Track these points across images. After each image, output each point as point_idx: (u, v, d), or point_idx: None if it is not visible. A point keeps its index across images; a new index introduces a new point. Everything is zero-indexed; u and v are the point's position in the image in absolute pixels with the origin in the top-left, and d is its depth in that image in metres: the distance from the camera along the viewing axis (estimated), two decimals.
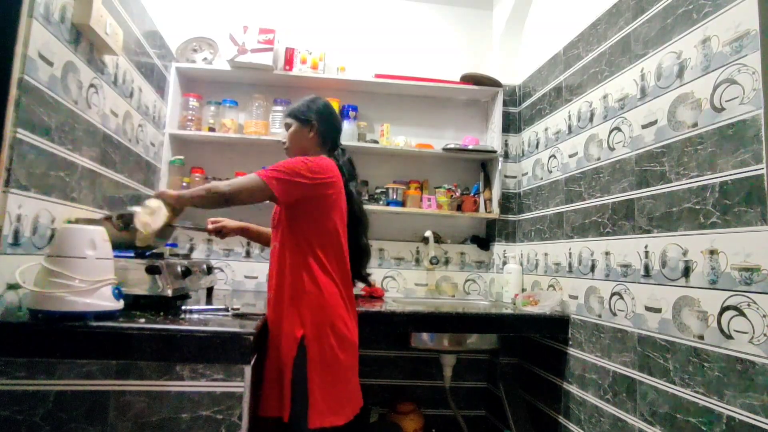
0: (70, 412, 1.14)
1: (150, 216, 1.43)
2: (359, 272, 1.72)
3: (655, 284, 1.55)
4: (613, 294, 1.78)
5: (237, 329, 1.24)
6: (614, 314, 1.76)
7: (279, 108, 2.63)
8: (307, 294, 1.47)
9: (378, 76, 2.68)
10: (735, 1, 1.29)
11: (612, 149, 1.83)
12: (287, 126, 1.67)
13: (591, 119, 2.00)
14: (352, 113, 2.66)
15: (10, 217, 1.20)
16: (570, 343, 2.06)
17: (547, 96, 2.44)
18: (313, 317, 1.46)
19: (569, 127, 2.19)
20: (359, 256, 1.70)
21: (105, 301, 1.20)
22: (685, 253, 1.43)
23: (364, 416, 1.63)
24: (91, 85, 1.61)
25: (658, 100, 1.59)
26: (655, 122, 1.59)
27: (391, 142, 2.69)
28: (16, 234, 1.24)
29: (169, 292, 1.39)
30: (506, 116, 2.78)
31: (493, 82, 2.72)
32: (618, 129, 1.81)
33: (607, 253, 1.83)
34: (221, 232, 1.83)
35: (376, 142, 2.70)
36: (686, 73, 1.47)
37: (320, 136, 1.64)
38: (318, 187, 1.50)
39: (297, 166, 1.48)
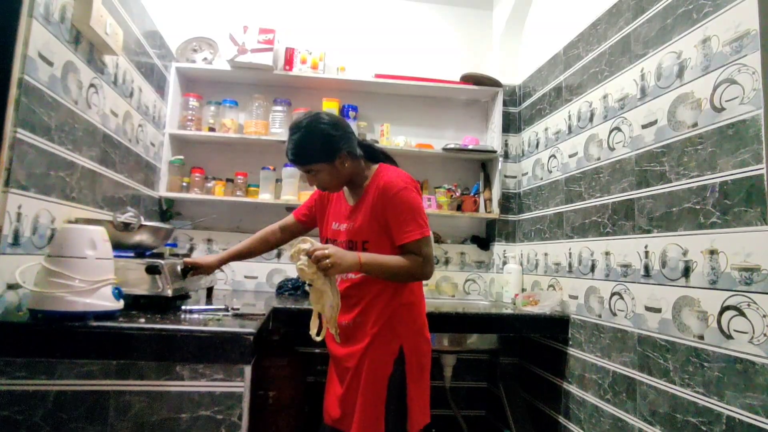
0: (70, 412, 1.14)
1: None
2: None
3: (655, 284, 1.55)
4: (613, 294, 1.78)
5: (237, 329, 1.24)
6: (614, 314, 1.76)
7: (279, 108, 2.63)
8: (404, 306, 1.44)
9: (378, 76, 2.68)
10: (735, 1, 1.29)
11: (612, 149, 1.83)
12: (311, 172, 1.42)
13: (591, 119, 2.00)
14: (352, 113, 2.66)
15: (10, 217, 1.20)
16: (570, 343, 2.06)
17: (547, 96, 2.44)
18: (408, 329, 1.44)
19: (569, 127, 2.19)
20: None
21: (105, 301, 1.20)
22: (685, 253, 1.43)
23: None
24: (91, 85, 1.61)
25: (658, 100, 1.59)
26: (655, 122, 1.59)
27: (391, 142, 2.69)
28: (16, 234, 1.24)
29: (169, 292, 1.39)
30: (506, 116, 2.78)
31: (493, 82, 2.72)
32: (618, 129, 1.81)
33: (607, 253, 1.83)
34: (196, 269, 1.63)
35: (376, 142, 2.70)
36: (686, 73, 1.47)
37: (351, 155, 1.43)
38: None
39: (417, 202, 1.42)
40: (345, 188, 1.55)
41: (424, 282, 2.27)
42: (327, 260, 1.24)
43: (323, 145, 1.39)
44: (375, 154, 1.54)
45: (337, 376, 1.51)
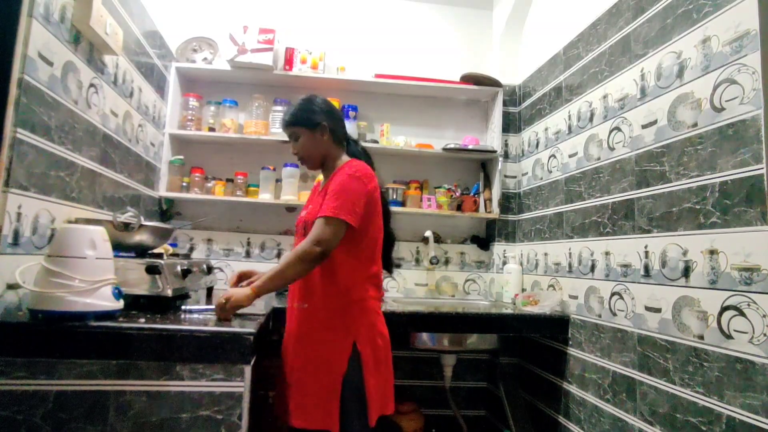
0: (70, 412, 1.14)
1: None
2: (388, 260, 1.68)
3: (655, 284, 1.55)
4: (613, 294, 1.78)
5: (237, 329, 1.24)
6: (614, 314, 1.76)
7: (279, 108, 2.63)
8: (355, 301, 1.48)
9: (378, 76, 2.68)
10: (735, 1, 1.29)
11: (612, 149, 1.83)
12: (293, 136, 1.56)
13: (591, 119, 2.00)
14: (352, 113, 2.66)
15: (10, 217, 1.20)
16: (570, 343, 2.06)
17: (547, 96, 2.44)
18: (361, 322, 1.48)
19: (569, 127, 2.19)
20: (389, 244, 1.66)
21: (105, 301, 1.20)
22: (685, 253, 1.43)
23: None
24: (91, 85, 1.61)
25: (658, 100, 1.59)
26: (655, 122, 1.59)
27: (391, 142, 2.69)
28: (16, 234, 1.24)
29: (169, 292, 1.39)
30: (506, 116, 2.78)
31: (493, 82, 2.72)
32: (618, 129, 1.81)
33: (607, 253, 1.83)
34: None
35: (376, 142, 2.70)
36: (686, 73, 1.47)
37: (333, 134, 1.56)
38: (371, 194, 1.48)
39: (355, 189, 1.43)
40: (322, 178, 1.65)
41: (424, 282, 2.25)
42: (225, 305, 1.36)
43: (309, 112, 1.54)
44: (355, 151, 1.63)
45: (286, 374, 1.54)
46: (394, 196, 2.65)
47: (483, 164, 2.82)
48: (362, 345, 1.46)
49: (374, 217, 1.52)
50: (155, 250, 1.69)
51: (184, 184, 2.53)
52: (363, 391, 1.43)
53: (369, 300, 1.52)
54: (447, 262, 2.79)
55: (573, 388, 2.01)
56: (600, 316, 1.86)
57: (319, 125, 1.53)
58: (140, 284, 1.39)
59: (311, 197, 1.67)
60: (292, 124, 1.55)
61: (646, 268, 1.60)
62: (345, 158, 1.59)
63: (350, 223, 1.40)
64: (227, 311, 1.36)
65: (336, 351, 1.45)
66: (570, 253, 2.11)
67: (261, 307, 1.83)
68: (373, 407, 1.45)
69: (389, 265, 1.69)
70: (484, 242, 2.80)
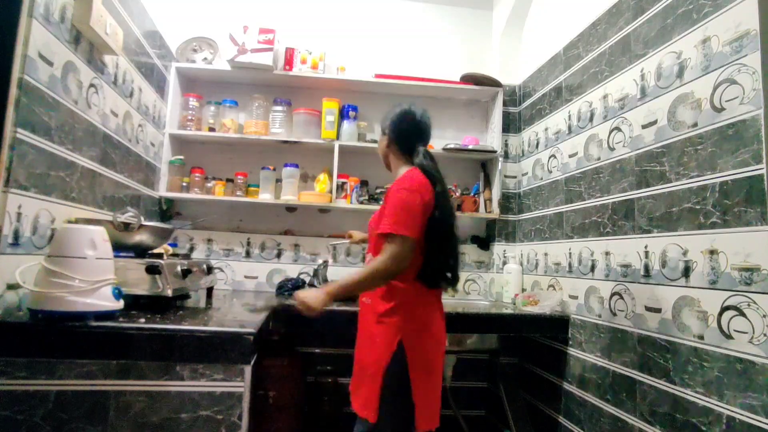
0: (70, 412, 1.14)
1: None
2: (453, 274, 1.59)
3: (655, 284, 1.55)
4: (613, 294, 1.78)
5: (237, 329, 1.24)
6: (614, 314, 1.76)
7: (279, 108, 2.63)
8: (406, 301, 1.49)
9: (378, 76, 2.68)
10: (735, 1, 1.29)
11: (612, 149, 1.83)
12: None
13: (591, 119, 2.00)
14: (352, 113, 2.66)
15: (10, 217, 1.20)
16: (570, 343, 2.06)
17: (547, 96, 2.44)
18: (411, 323, 1.48)
19: (569, 127, 2.19)
20: (451, 256, 1.58)
21: (105, 301, 1.20)
22: (685, 253, 1.43)
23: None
24: (91, 85, 1.61)
25: (658, 100, 1.59)
26: (655, 122, 1.59)
27: None
28: (16, 234, 1.24)
29: (169, 292, 1.39)
30: (506, 116, 2.78)
31: (493, 82, 2.72)
32: (618, 129, 1.81)
33: (607, 253, 1.83)
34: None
35: (376, 142, 2.70)
36: (686, 73, 1.47)
37: (396, 144, 1.64)
38: (427, 205, 1.50)
39: (413, 203, 1.46)
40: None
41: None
42: (302, 308, 1.47)
43: (386, 118, 1.68)
44: (422, 162, 1.62)
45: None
46: None
47: (483, 164, 2.82)
48: (409, 344, 1.46)
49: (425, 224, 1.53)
50: (155, 250, 1.69)
51: (184, 184, 2.53)
52: (407, 389, 1.44)
53: (421, 302, 1.52)
54: None
55: (573, 388, 2.01)
56: (600, 316, 1.86)
57: (384, 133, 1.68)
58: (140, 284, 1.39)
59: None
60: (381, 124, 1.72)
61: (646, 268, 1.60)
62: (404, 168, 1.62)
63: (415, 238, 1.45)
64: (312, 312, 1.46)
65: (383, 345, 1.47)
66: (570, 253, 2.11)
67: (261, 306, 1.84)
68: (420, 409, 1.45)
69: (445, 278, 1.58)
70: (484, 242, 2.80)
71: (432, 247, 1.51)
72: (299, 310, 1.48)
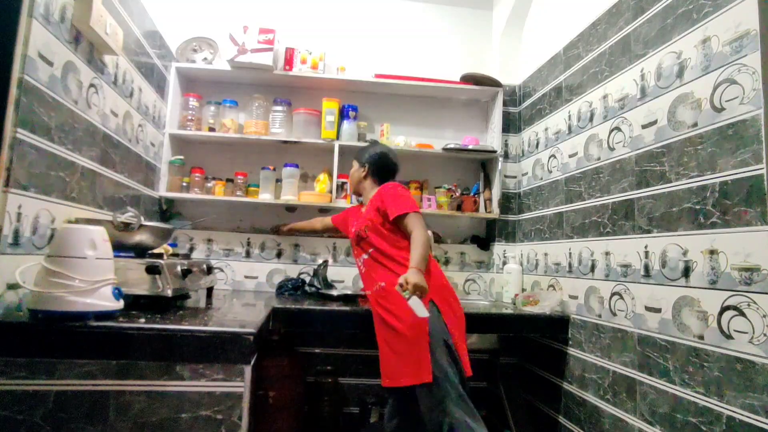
0: (70, 412, 1.14)
1: None
2: None
3: (655, 284, 1.55)
4: (613, 294, 1.78)
5: (237, 329, 1.24)
6: (614, 314, 1.76)
7: (279, 108, 2.63)
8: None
9: (378, 76, 2.68)
10: (735, 1, 1.29)
11: (612, 149, 1.83)
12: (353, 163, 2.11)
13: (591, 119, 2.00)
14: (352, 113, 2.66)
15: (10, 217, 1.20)
16: (570, 343, 2.06)
17: (547, 96, 2.44)
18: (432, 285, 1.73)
19: (569, 127, 2.19)
20: None
21: (105, 301, 1.20)
22: (685, 253, 1.43)
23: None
24: (91, 85, 1.61)
25: (658, 100, 1.59)
26: (655, 122, 1.59)
27: (391, 142, 2.69)
28: (16, 234, 1.24)
29: (169, 292, 1.39)
30: (506, 116, 2.78)
31: (493, 82, 2.72)
32: (618, 129, 1.81)
33: (607, 253, 1.83)
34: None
35: (376, 142, 2.70)
36: (686, 73, 1.47)
37: (371, 174, 2.03)
38: None
39: (407, 192, 1.92)
40: (363, 203, 2.13)
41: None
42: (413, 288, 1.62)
43: (368, 152, 2.06)
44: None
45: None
46: None
47: (483, 164, 2.82)
48: (438, 300, 1.73)
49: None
50: (155, 250, 1.69)
51: (184, 184, 2.53)
52: (449, 341, 1.68)
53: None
54: (447, 262, 2.79)
55: (573, 388, 2.01)
56: (600, 316, 1.86)
57: (362, 165, 2.05)
58: (140, 284, 1.39)
59: (354, 217, 2.09)
60: (355, 157, 2.12)
61: (646, 268, 1.60)
62: (376, 188, 1.98)
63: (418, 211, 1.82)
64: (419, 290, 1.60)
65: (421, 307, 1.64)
66: (570, 253, 2.11)
67: (261, 306, 1.84)
68: (461, 355, 1.70)
69: None
70: (484, 242, 2.80)
71: None
72: (416, 292, 1.58)
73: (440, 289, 1.78)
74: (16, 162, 1.21)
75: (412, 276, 1.59)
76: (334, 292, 2.35)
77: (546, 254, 2.35)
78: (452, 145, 2.65)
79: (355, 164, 2.08)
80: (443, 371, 1.61)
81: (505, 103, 2.77)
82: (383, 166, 2.04)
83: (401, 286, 1.58)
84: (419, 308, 1.53)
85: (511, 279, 2.55)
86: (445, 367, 1.62)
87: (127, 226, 1.46)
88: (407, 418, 1.70)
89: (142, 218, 1.50)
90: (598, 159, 1.92)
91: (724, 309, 1.28)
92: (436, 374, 1.61)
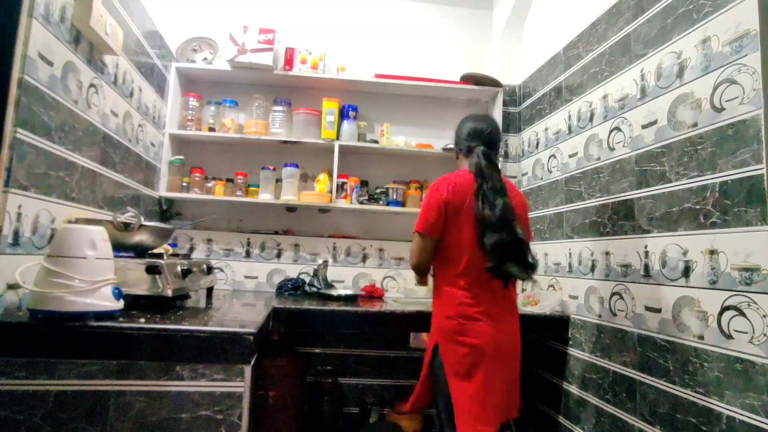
0: (70, 412, 1.14)
1: None
2: (497, 269, 1.51)
3: (655, 284, 1.55)
4: (613, 294, 1.78)
5: (237, 329, 1.24)
6: (614, 314, 1.76)
7: (279, 108, 2.63)
8: (443, 305, 1.59)
9: (378, 76, 2.68)
10: (735, 1, 1.29)
11: (612, 149, 1.83)
12: None
13: (591, 119, 2.00)
14: (352, 113, 2.66)
15: (10, 217, 1.20)
16: (570, 343, 2.06)
17: (547, 96, 2.44)
18: (444, 325, 1.56)
19: (569, 127, 2.19)
20: (511, 246, 1.51)
21: (105, 301, 1.20)
22: (685, 253, 1.43)
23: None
24: (91, 85, 1.61)
25: (658, 100, 1.59)
26: (655, 122, 1.59)
27: (391, 142, 2.69)
28: (16, 234, 1.24)
29: (169, 292, 1.39)
30: (506, 116, 2.78)
31: (493, 82, 2.72)
32: (618, 129, 1.81)
33: (607, 253, 1.83)
34: None
35: (376, 142, 2.70)
36: (686, 73, 1.47)
37: (461, 151, 1.73)
38: (445, 201, 1.56)
39: (426, 200, 1.62)
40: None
41: (425, 287, 2.22)
42: None
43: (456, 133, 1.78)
44: (471, 162, 1.66)
45: None
46: (394, 196, 2.65)
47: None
48: (443, 348, 1.54)
49: (452, 222, 1.56)
50: (155, 250, 1.69)
51: (184, 184, 2.53)
52: (446, 391, 1.51)
53: (457, 305, 1.54)
54: None
55: (573, 388, 2.01)
56: (600, 316, 1.86)
57: (456, 147, 1.78)
58: (140, 284, 1.39)
59: None
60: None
61: (646, 268, 1.60)
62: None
63: (422, 233, 1.57)
64: None
65: (429, 347, 1.63)
66: (570, 253, 2.11)
67: (261, 306, 1.84)
68: (460, 412, 1.46)
69: (497, 273, 1.52)
70: None
71: (492, 248, 1.49)
72: None
73: (446, 337, 1.55)
74: (16, 162, 1.21)
75: None
76: (334, 292, 2.35)
77: (546, 254, 2.35)
78: (452, 145, 2.64)
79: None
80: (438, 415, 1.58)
81: (505, 103, 2.77)
82: (464, 136, 1.70)
83: None
84: None
85: None
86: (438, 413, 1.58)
87: (127, 226, 1.46)
88: None
89: (142, 218, 1.49)
90: (598, 159, 1.92)
91: (724, 309, 1.28)
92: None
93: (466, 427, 1.44)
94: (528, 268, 1.53)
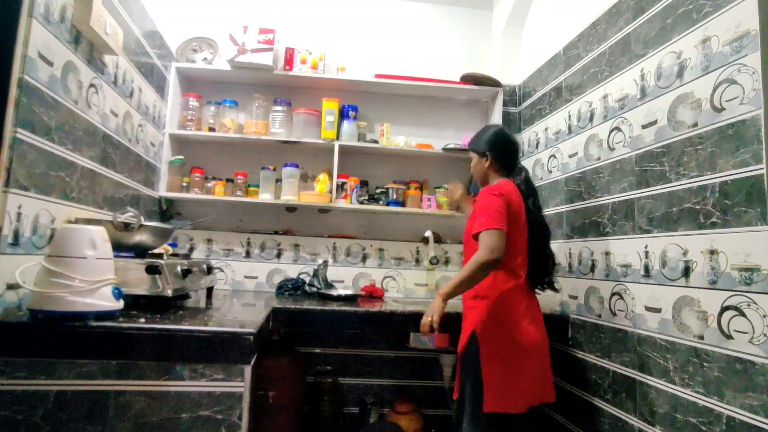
0: (70, 412, 1.14)
1: None
2: (542, 279, 1.82)
3: (655, 284, 1.55)
4: (613, 294, 1.78)
5: (237, 329, 1.24)
6: (614, 314, 1.76)
7: (279, 108, 2.63)
8: (483, 296, 1.68)
9: (378, 76, 2.68)
10: (735, 1, 1.29)
11: (612, 149, 1.83)
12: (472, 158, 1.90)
13: (591, 119, 2.00)
14: (352, 113, 2.66)
15: (10, 217, 1.20)
16: (570, 343, 2.06)
17: (547, 96, 2.44)
18: (487, 315, 1.66)
19: (569, 127, 2.19)
20: (542, 263, 1.80)
21: (105, 301, 1.20)
22: (685, 253, 1.43)
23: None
24: (91, 85, 1.61)
25: (658, 100, 1.59)
26: (655, 122, 1.59)
27: (391, 142, 2.69)
28: (16, 234, 1.24)
29: (169, 292, 1.39)
30: (506, 116, 2.78)
31: (493, 82, 2.72)
32: (618, 129, 1.81)
33: (607, 253, 1.83)
34: None
35: (376, 142, 2.70)
36: (686, 73, 1.47)
37: (496, 162, 1.81)
38: (507, 200, 1.67)
39: (492, 200, 1.65)
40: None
41: (424, 282, 2.28)
42: (429, 321, 1.65)
43: (479, 140, 1.85)
44: (516, 179, 1.81)
45: None
46: (394, 196, 2.65)
47: None
48: (483, 336, 1.63)
49: (512, 224, 1.67)
50: (155, 250, 1.69)
51: (184, 184, 2.53)
52: (479, 377, 1.61)
53: (502, 298, 1.66)
54: (447, 262, 2.79)
55: (573, 388, 2.01)
56: (600, 316, 1.86)
57: (484, 154, 1.82)
58: (140, 284, 1.39)
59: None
60: (470, 146, 1.91)
61: (646, 268, 1.60)
62: (497, 179, 1.80)
63: (503, 229, 1.61)
64: (437, 323, 1.64)
65: (463, 335, 1.71)
66: (570, 253, 2.11)
67: (261, 307, 1.84)
68: (488, 395, 1.58)
69: (541, 284, 1.83)
70: None
71: (534, 251, 1.76)
72: (427, 327, 1.64)
73: (490, 325, 1.66)
74: (16, 162, 1.21)
75: (433, 310, 1.64)
76: (334, 292, 2.35)
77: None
78: (452, 145, 2.65)
79: (474, 156, 1.86)
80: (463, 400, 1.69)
81: (505, 103, 2.77)
82: (505, 149, 1.82)
83: (427, 324, 1.65)
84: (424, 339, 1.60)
85: None
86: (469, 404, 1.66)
87: (127, 226, 1.46)
88: None
89: (142, 218, 1.50)
90: (598, 159, 1.92)
91: (724, 309, 1.28)
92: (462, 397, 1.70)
93: (495, 403, 1.57)
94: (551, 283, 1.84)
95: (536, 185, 2.48)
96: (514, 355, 1.62)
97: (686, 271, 1.42)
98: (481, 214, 1.63)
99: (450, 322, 1.81)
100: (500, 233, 1.59)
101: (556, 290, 1.87)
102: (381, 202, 2.67)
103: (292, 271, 2.66)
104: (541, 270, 1.80)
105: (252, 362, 1.24)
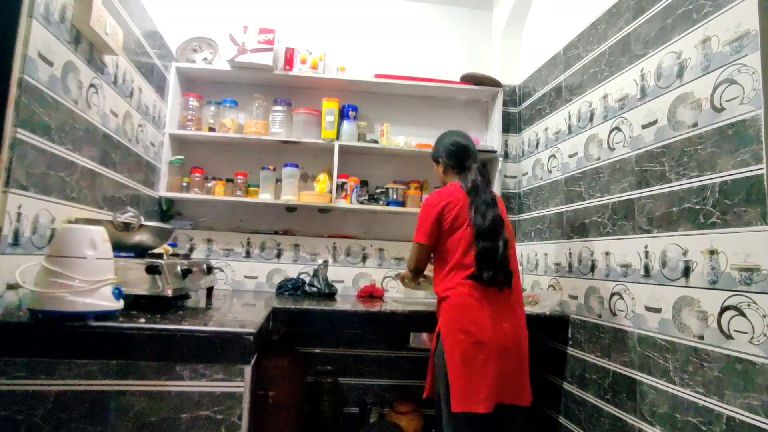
0: (70, 412, 1.14)
1: None
2: (488, 270, 1.70)
3: (655, 284, 1.55)
4: (613, 294, 1.78)
5: (237, 329, 1.24)
6: (614, 314, 1.76)
7: (279, 108, 2.63)
8: (442, 298, 1.75)
9: (378, 76, 2.68)
10: (735, 1, 1.29)
11: (612, 149, 1.83)
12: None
13: (591, 119, 2.00)
14: (352, 113, 2.66)
15: (10, 217, 1.20)
16: (570, 343, 2.06)
17: (547, 96, 2.44)
18: (446, 317, 1.71)
19: (569, 127, 2.19)
20: (488, 254, 1.71)
21: (105, 301, 1.20)
22: (685, 253, 1.43)
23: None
24: (91, 85, 1.61)
25: (658, 100, 1.59)
26: (655, 122, 1.59)
27: (391, 142, 2.69)
28: (16, 234, 1.24)
29: (169, 292, 1.39)
30: (506, 116, 2.78)
31: (493, 82, 2.72)
32: (618, 129, 1.81)
33: (607, 253, 1.83)
34: None
35: (376, 142, 2.70)
36: (686, 73, 1.47)
37: (447, 166, 1.91)
38: (440, 213, 1.76)
39: (423, 214, 1.81)
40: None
41: (425, 289, 2.27)
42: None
43: (435, 146, 1.96)
44: (467, 178, 1.84)
45: None
46: (394, 196, 2.65)
47: (483, 164, 2.80)
48: (444, 336, 1.68)
49: (447, 229, 1.75)
50: (155, 250, 1.69)
51: (184, 184, 2.53)
52: (447, 378, 1.64)
53: (455, 296, 1.69)
54: None
55: (573, 388, 2.01)
56: (600, 316, 1.86)
57: (437, 160, 1.94)
58: (140, 284, 1.39)
59: None
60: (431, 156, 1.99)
61: (646, 268, 1.60)
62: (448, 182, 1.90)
63: (424, 243, 1.78)
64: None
65: (434, 337, 1.78)
66: (570, 253, 2.11)
67: (261, 307, 1.84)
68: (453, 395, 1.61)
69: (481, 278, 1.69)
70: None
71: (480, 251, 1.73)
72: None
73: (450, 326, 1.69)
74: (16, 162, 1.21)
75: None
76: (334, 292, 2.35)
77: (546, 254, 2.35)
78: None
79: (434, 165, 1.97)
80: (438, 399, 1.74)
81: (505, 103, 2.77)
82: (452, 152, 1.89)
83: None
84: None
85: None
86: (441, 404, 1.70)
87: (127, 226, 1.46)
88: None
89: (142, 218, 1.49)
90: (598, 159, 1.92)
91: (724, 309, 1.28)
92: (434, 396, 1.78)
93: (459, 403, 1.59)
94: (505, 276, 1.70)
95: (536, 185, 2.50)
96: (475, 353, 1.61)
97: (686, 271, 1.42)
98: (417, 223, 1.81)
99: None
100: (420, 247, 1.79)
101: (510, 286, 1.74)
102: (381, 202, 2.67)
103: (292, 271, 2.66)
104: (488, 261, 1.68)
105: (252, 362, 1.24)
